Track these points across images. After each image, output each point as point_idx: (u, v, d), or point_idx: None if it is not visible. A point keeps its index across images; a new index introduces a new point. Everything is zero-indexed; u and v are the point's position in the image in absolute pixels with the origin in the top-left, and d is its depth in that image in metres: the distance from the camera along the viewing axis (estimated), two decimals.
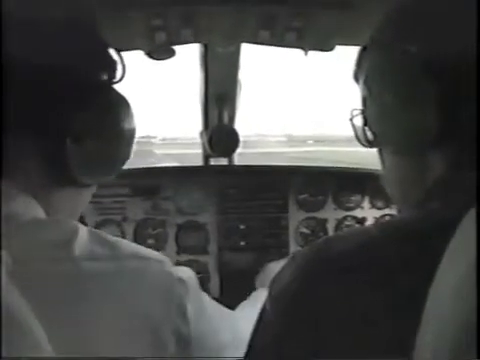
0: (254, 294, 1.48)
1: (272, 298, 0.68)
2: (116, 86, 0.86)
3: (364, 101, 0.79)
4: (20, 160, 0.75)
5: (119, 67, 0.86)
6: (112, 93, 0.84)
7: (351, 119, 0.84)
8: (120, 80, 0.86)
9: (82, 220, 1.85)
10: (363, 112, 0.80)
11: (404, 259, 0.58)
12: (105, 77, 0.84)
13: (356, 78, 0.84)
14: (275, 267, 1.52)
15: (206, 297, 0.88)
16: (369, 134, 0.80)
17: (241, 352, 0.70)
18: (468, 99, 0.63)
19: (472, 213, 0.43)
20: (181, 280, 0.77)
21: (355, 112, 0.83)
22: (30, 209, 0.74)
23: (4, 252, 0.55)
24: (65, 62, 0.75)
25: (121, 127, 0.84)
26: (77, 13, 0.80)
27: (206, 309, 0.85)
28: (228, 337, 0.90)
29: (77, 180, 0.79)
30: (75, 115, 0.75)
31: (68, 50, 0.76)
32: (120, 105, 0.85)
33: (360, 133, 0.83)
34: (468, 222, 0.43)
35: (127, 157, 0.88)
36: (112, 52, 0.86)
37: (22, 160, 0.76)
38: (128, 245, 0.75)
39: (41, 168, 0.76)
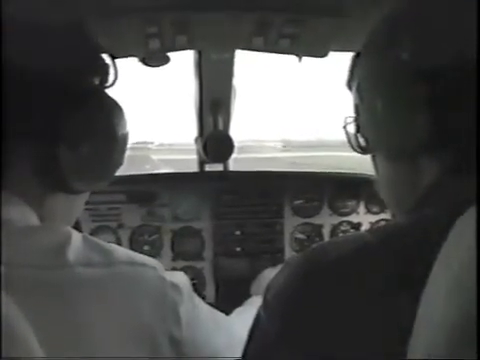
0: (249, 301, 1.48)
1: (267, 304, 0.68)
2: (112, 92, 0.85)
3: (357, 108, 0.79)
4: (13, 166, 0.75)
5: (111, 71, 0.85)
6: (105, 98, 0.84)
7: (344, 126, 0.85)
8: (112, 84, 0.86)
9: (78, 227, 1.85)
10: (356, 119, 0.81)
11: (398, 264, 0.58)
12: (97, 81, 0.83)
13: (349, 85, 0.84)
14: (270, 274, 1.52)
15: (200, 302, 0.88)
16: (362, 141, 0.81)
17: (236, 357, 0.70)
18: (460, 105, 0.64)
19: (463, 219, 0.43)
20: (174, 285, 0.77)
21: (348, 119, 0.83)
22: (24, 215, 0.74)
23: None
24: (56, 66, 0.75)
25: (114, 132, 0.83)
26: (69, 17, 0.80)
27: (200, 314, 0.85)
28: (223, 342, 0.89)
29: (71, 186, 0.79)
30: (68, 121, 0.75)
31: (59, 54, 0.76)
32: (113, 110, 0.84)
33: (353, 140, 0.83)
34: (459, 227, 0.44)
35: (120, 163, 0.88)
36: (104, 56, 0.86)
37: (15, 166, 0.75)
38: (121, 251, 0.75)
39: (34, 174, 0.76)
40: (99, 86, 0.84)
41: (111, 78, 0.86)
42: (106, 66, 0.85)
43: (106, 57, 0.86)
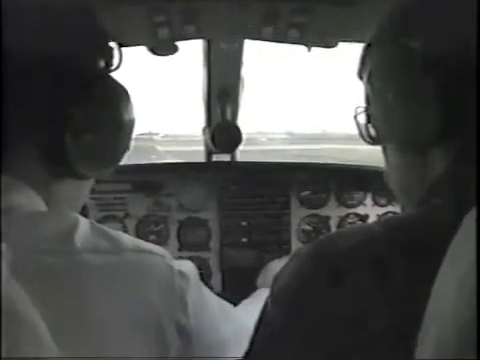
0: (256, 293, 1.48)
1: (274, 295, 0.68)
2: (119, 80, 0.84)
3: (367, 98, 0.79)
4: (20, 152, 0.75)
5: (116, 53, 0.84)
6: (111, 83, 0.83)
7: (355, 116, 0.84)
8: (118, 67, 0.84)
9: (85, 215, 1.85)
10: (366, 109, 0.80)
11: (407, 256, 0.58)
12: (102, 65, 0.82)
13: (360, 75, 0.84)
14: (275, 266, 1.52)
15: (207, 291, 0.88)
16: (372, 131, 0.81)
17: (243, 347, 0.70)
18: (470, 96, 0.63)
19: (473, 212, 0.43)
20: (182, 273, 0.77)
21: (359, 109, 0.83)
22: (31, 201, 0.74)
23: (4, 245, 0.55)
24: (61, 51, 0.74)
25: (121, 118, 0.82)
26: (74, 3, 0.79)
27: (207, 302, 0.85)
28: (230, 331, 0.89)
29: (77, 172, 0.78)
30: (73, 107, 0.75)
31: (63, 38, 0.75)
32: (119, 95, 0.83)
33: (364, 130, 0.83)
34: (469, 221, 0.43)
35: (127, 148, 0.87)
36: (108, 38, 0.84)
37: (22, 153, 0.75)
38: (128, 239, 0.75)
39: (41, 161, 0.76)
40: (105, 70, 0.83)
41: (116, 61, 0.84)
42: (110, 48, 0.83)
43: (110, 39, 0.84)
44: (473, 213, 0.43)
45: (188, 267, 0.81)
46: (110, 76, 0.83)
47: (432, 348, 0.41)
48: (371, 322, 0.56)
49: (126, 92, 0.84)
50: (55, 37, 0.75)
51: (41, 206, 0.75)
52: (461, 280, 0.39)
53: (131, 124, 0.86)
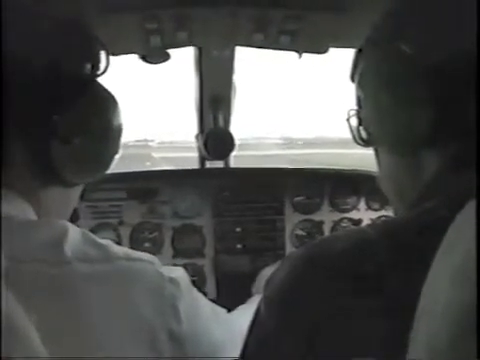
0: (251, 299, 1.48)
1: (266, 299, 0.68)
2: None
3: (359, 101, 0.79)
4: (8, 161, 0.74)
5: (103, 58, 0.83)
6: (97, 88, 0.82)
7: (348, 119, 0.85)
8: (104, 72, 0.83)
9: (75, 221, 1.84)
10: (358, 112, 0.81)
11: (399, 259, 0.58)
12: (88, 70, 0.81)
13: (352, 79, 0.84)
14: (269, 272, 1.52)
15: (200, 296, 0.88)
16: (364, 134, 0.81)
17: (237, 351, 0.70)
18: (461, 99, 0.64)
19: (464, 212, 0.43)
20: (172, 279, 0.77)
21: (351, 112, 0.83)
22: (21, 210, 0.73)
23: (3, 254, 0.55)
24: (46, 57, 0.74)
25: (107, 124, 0.82)
26: (67, 12, 0.79)
27: (200, 308, 0.84)
28: (223, 336, 0.89)
29: (65, 179, 0.78)
30: (60, 114, 0.74)
31: (49, 44, 0.74)
32: (105, 101, 0.83)
33: (355, 133, 0.83)
34: (460, 219, 0.44)
35: (115, 153, 0.86)
36: (94, 43, 0.83)
37: (10, 161, 0.74)
38: (117, 247, 0.75)
39: (29, 169, 0.75)
40: (91, 76, 0.82)
41: (103, 66, 0.83)
42: (97, 53, 0.82)
43: (96, 43, 0.83)
44: (464, 212, 0.43)
45: (179, 273, 0.81)
46: (96, 82, 0.83)
47: (424, 346, 0.41)
48: (364, 324, 0.56)
49: (113, 98, 0.84)
50: (40, 43, 0.74)
51: (31, 215, 0.75)
52: (453, 277, 0.40)
53: (119, 130, 0.85)
